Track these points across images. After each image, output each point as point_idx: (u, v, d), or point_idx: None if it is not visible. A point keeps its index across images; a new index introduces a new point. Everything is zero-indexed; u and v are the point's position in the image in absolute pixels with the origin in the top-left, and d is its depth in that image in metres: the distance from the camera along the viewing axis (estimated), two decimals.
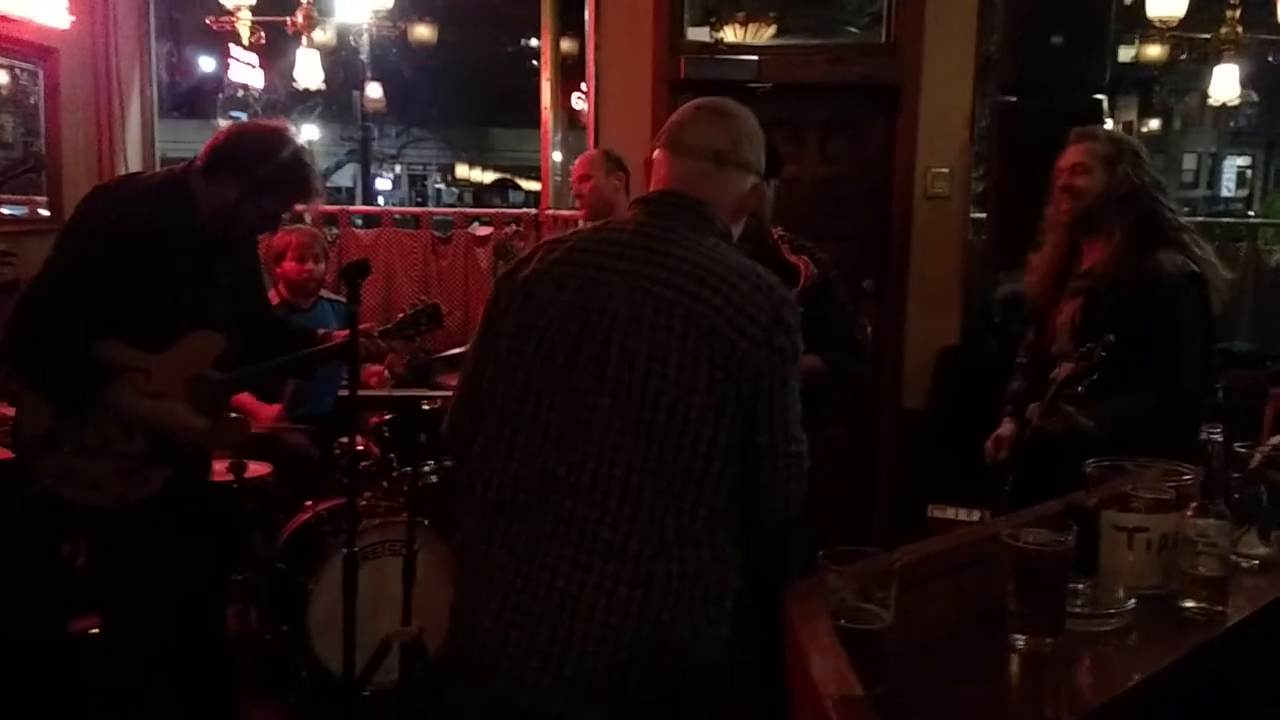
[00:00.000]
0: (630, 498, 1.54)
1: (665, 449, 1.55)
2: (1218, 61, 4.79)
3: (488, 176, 18.67)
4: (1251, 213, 15.38)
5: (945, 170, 4.44)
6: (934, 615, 1.38)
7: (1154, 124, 13.09)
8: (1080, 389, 2.40)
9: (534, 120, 5.29)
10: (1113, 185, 2.59)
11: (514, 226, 4.98)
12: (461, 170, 19.40)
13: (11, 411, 3.35)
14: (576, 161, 3.92)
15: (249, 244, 2.76)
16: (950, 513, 4.03)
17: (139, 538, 2.54)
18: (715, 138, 1.75)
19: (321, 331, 2.99)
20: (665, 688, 1.55)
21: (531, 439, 1.62)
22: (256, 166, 2.48)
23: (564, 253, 1.70)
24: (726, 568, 1.60)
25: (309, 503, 3.58)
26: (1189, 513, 1.51)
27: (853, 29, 5.33)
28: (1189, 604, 1.48)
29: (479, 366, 1.73)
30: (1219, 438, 1.53)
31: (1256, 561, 1.63)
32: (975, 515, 3.99)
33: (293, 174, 2.53)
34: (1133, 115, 12.15)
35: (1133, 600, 1.45)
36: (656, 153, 1.80)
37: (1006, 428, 2.86)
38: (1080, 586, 1.44)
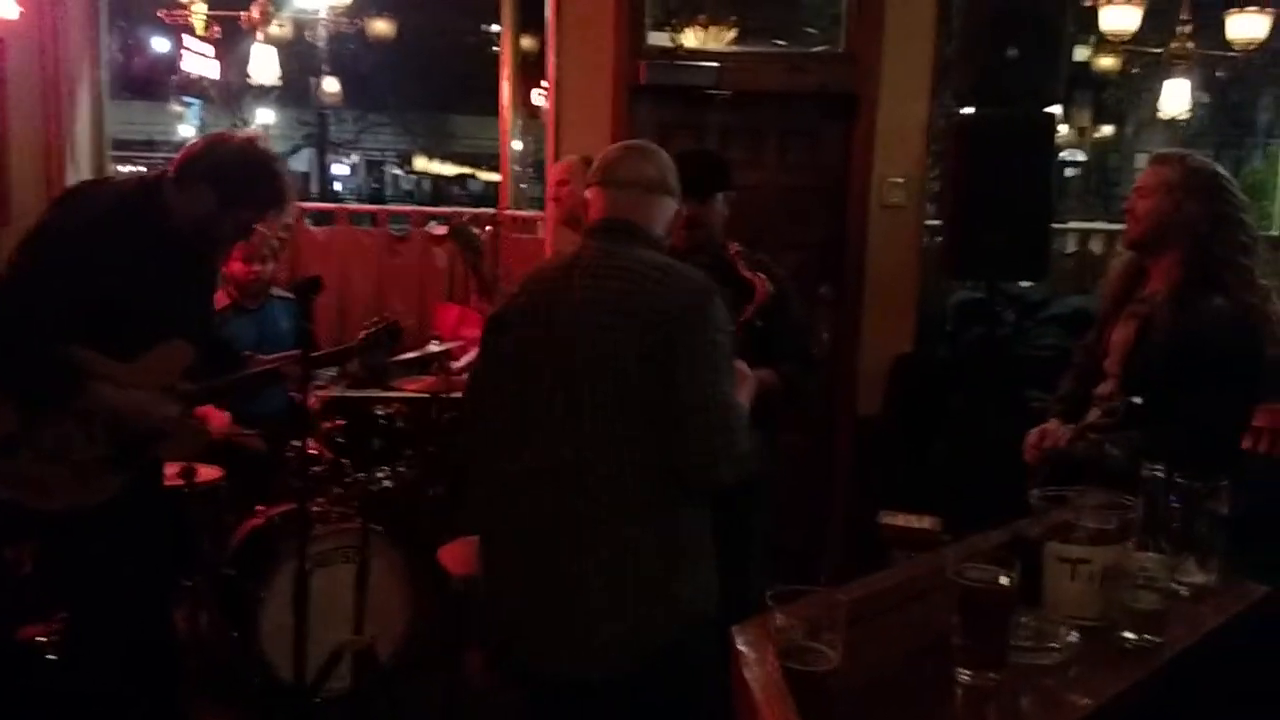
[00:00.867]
0: (612, 478, 1.91)
1: (631, 427, 1.91)
2: (1169, 75, 4.87)
3: (447, 168, 18.51)
4: None
5: (901, 179, 4.48)
6: (881, 650, 1.40)
7: (1107, 129, 13.28)
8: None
9: (493, 108, 5.26)
10: (1172, 213, 2.56)
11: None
12: (420, 162, 19.23)
13: None
14: (555, 166, 3.95)
15: (218, 254, 2.76)
16: (901, 519, 4.09)
17: (91, 543, 2.53)
18: (644, 171, 2.16)
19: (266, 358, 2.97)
20: (672, 639, 1.91)
21: (532, 441, 1.98)
22: (234, 178, 2.53)
23: (537, 284, 2.12)
24: (703, 527, 2.01)
25: (260, 507, 3.55)
26: (1131, 545, 1.54)
27: (812, 30, 5.35)
28: (1129, 635, 1.51)
29: (480, 386, 2.18)
30: (1160, 474, 1.56)
31: (1188, 590, 1.67)
32: (926, 522, 4.05)
33: (270, 186, 2.59)
34: (1087, 121, 12.31)
35: (1075, 633, 1.48)
36: (590, 191, 2.19)
37: (1053, 424, 2.82)
38: (1024, 620, 1.47)
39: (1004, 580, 1.37)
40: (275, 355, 2.93)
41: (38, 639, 3.09)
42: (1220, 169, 2.68)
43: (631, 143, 2.36)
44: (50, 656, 3.10)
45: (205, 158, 2.54)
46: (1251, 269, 2.61)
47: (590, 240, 2.12)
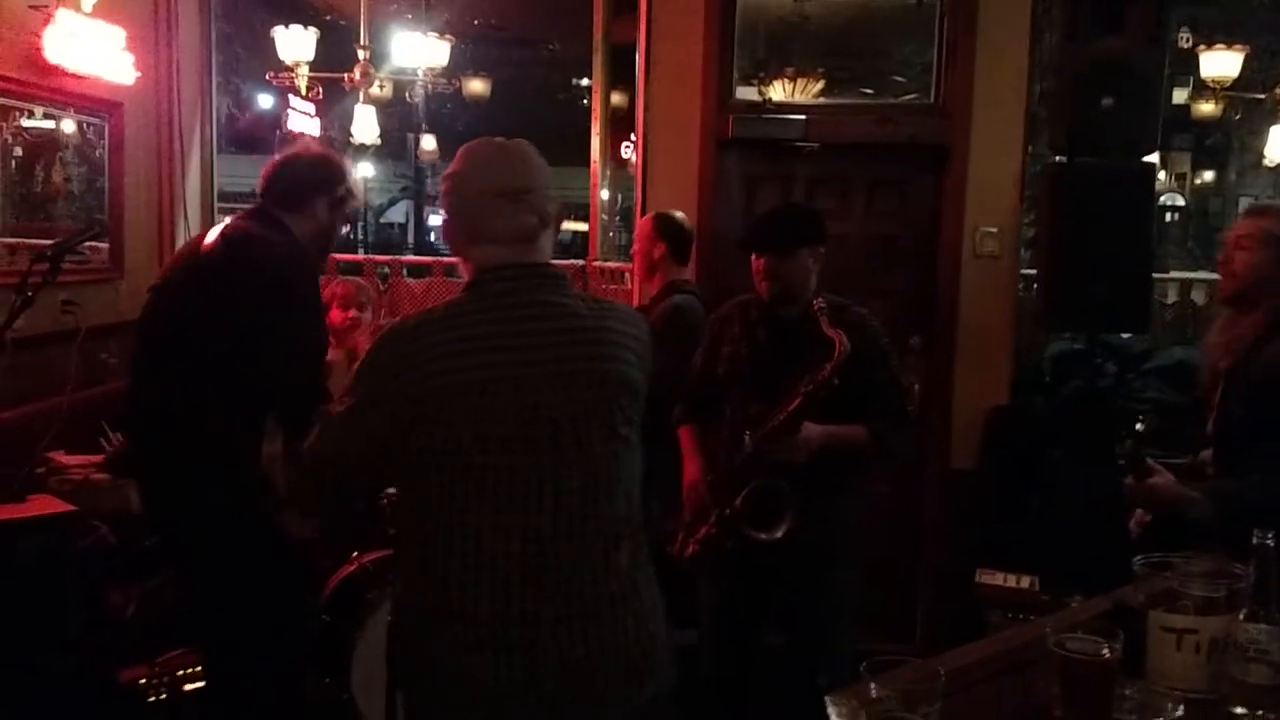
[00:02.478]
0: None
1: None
2: (1274, 121, 4.72)
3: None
4: None
5: (994, 230, 4.42)
6: None
7: (1208, 175, 12.92)
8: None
9: (583, 160, 5.35)
10: (1267, 265, 2.49)
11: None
12: None
13: (71, 461, 3.47)
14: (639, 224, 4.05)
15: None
16: (999, 578, 3.98)
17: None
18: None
19: None
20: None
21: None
22: (333, 178, 2.74)
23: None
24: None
25: (355, 554, 3.61)
26: (1241, 616, 1.48)
27: (900, 79, 5.34)
28: (1240, 711, 1.45)
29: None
30: (1270, 541, 1.50)
31: None
32: (1025, 581, 3.93)
33: (342, 167, 2.80)
34: (1186, 167, 12.00)
35: (1181, 707, 1.43)
36: None
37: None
38: (1128, 691, 1.42)
39: (1106, 651, 1.33)
40: None
41: (140, 681, 3.20)
42: None
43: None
44: (150, 699, 3.21)
45: (302, 174, 2.72)
46: None
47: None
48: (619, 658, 1.74)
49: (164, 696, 3.22)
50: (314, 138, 2.84)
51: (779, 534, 2.74)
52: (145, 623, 3.30)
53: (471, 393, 1.68)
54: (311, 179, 2.72)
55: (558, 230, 1.89)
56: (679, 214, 3.84)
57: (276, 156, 2.80)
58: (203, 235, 2.78)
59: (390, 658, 1.96)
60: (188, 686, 3.27)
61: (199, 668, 3.16)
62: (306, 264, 2.68)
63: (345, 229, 3.03)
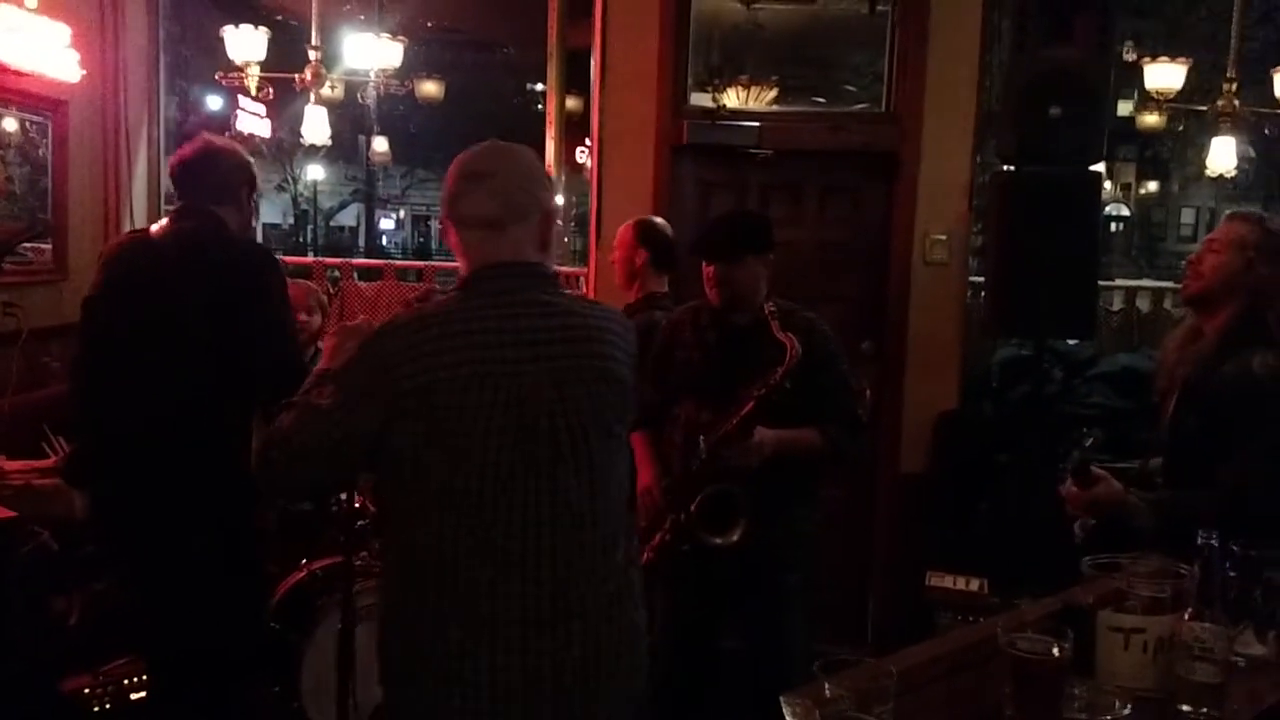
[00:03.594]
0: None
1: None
2: (1215, 132, 4.83)
3: None
4: None
5: (943, 236, 4.47)
6: None
7: (1152, 185, 13.21)
8: None
9: None
10: (1240, 272, 2.46)
11: None
12: None
13: (12, 466, 3.39)
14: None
15: None
16: (949, 580, 4.03)
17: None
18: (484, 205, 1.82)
19: None
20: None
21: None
22: (253, 174, 2.83)
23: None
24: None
25: (304, 560, 3.57)
26: (1186, 615, 1.51)
27: (851, 88, 5.39)
28: (1186, 709, 1.48)
29: None
30: (1214, 541, 1.53)
31: (1246, 661, 1.63)
32: (974, 584, 3.98)
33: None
34: (1131, 178, 12.25)
35: (1129, 705, 1.45)
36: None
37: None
38: (1077, 690, 1.44)
39: (1056, 651, 1.35)
40: None
41: (83, 690, 3.13)
42: None
43: (471, 169, 1.86)
44: (94, 709, 3.14)
45: (231, 168, 2.77)
46: None
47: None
48: (618, 657, 1.75)
49: (108, 706, 3.16)
50: (214, 134, 2.89)
51: (734, 538, 2.75)
52: (88, 631, 3.23)
53: (470, 388, 1.66)
54: (240, 173, 2.78)
55: (548, 233, 1.87)
56: (660, 220, 3.78)
57: (187, 152, 2.78)
58: (129, 238, 2.81)
59: (381, 659, 1.91)
60: (133, 695, 3.21)
61: (143, 676, 3.10)
62: (269, 252, 2.77)
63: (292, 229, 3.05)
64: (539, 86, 5.83)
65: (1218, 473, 2.33)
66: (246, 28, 4.82)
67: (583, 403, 1.75)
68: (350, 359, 1.76)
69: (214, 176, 2.74)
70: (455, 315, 1.74)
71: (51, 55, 3.93)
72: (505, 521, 1.68)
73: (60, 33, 3.95)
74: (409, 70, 5.84)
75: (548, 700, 1.69)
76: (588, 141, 5.05)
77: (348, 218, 21.95)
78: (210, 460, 2.54)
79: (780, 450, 2.75)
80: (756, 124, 4.52)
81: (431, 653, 1.69)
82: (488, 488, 1.67)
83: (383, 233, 22.68)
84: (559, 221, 5.54)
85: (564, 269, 5.21)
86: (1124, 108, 6.42)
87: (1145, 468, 2.72)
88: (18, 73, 3.79)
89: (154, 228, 2.78)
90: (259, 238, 11.35)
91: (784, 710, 1.26)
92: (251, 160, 2.87)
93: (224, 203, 2.74)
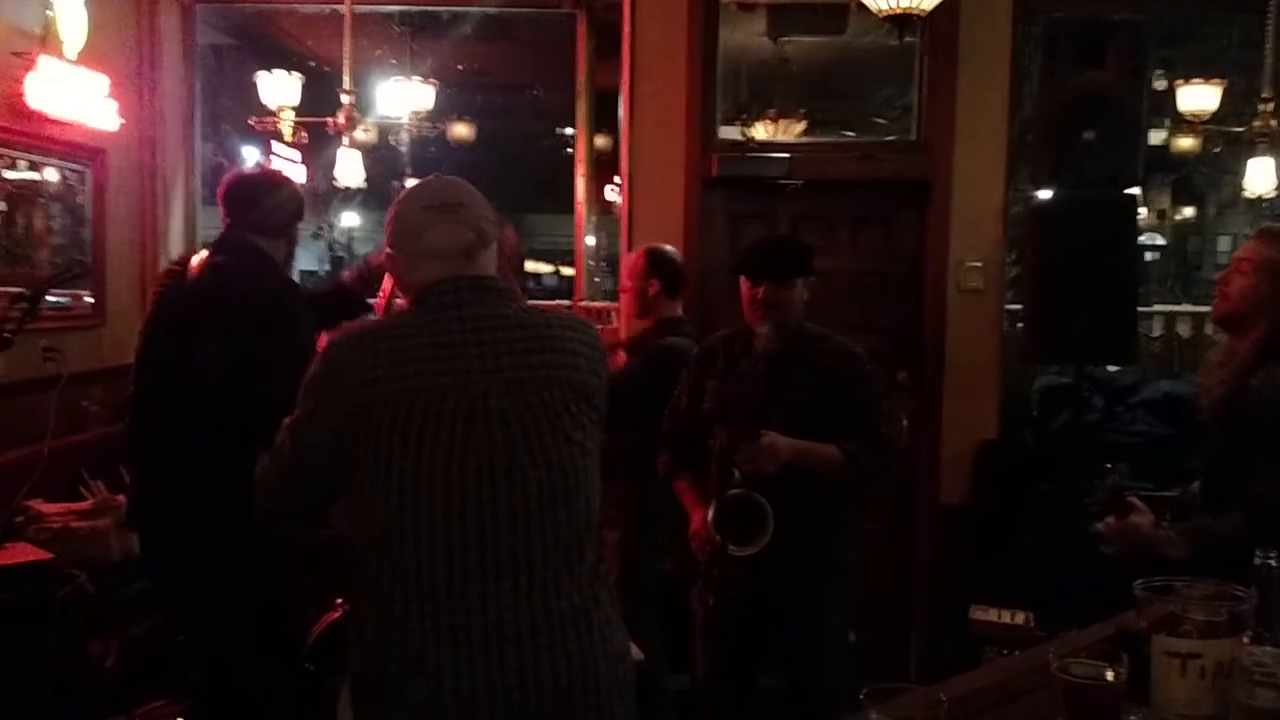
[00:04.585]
0: None
1: None
2: (1252, 154, 4.77)
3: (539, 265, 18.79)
4: None
5: (978, 264, 4.43)
6: None
7: (1188, 211, 13.04)
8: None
9: (569, 204, 5.35)
10: (1263, 294, 2.42)
11: None
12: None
13: (51, 509, 3.41)
14: (626, 259, 3.93)
15: None
16: (993, 614, 3.93)
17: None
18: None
19: None
20: None
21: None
22: (301, 211, 2.81)
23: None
24: None
25: (340, 600, 3.55)
26: (1245, 639, 1.45)
27: (881, 120, 5.39)
28: None
29: None
30: (1273, 561, 1.48)
31: None
32: (1019, 618, 3.89)
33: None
34: (1166, 204, 12.10)
35: None
36: None
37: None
38: (1133, 717, 1.39)
39: (1111, 675, 1.30)
40: None
41: None
42: None
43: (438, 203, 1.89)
44: None
45: (286, 203, 2.76)
46: None
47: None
48: (584, 677, 1.67)
49: None
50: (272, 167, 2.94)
51: (759, 548, 2.68)
52: (124, 673, 3.23)
53: (419, 399, 1.66)
54: (293, 203, 2.78)
55: (517, 260, 1.91)
56: (669, 247, 3.78)
57: (244, 176, 2.84)
58: (182, 264, 2.79)
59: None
60: None
61: (180, 717, 3.09)
62: (293, 293, 2.69)
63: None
64: (568, 131, 5.87)
65: (1245, 487, 2.27)
66: (280, 73, 4.89)
67: (535, 410, 1.71)
68: (307, 377, 1.77)
69: (266, 208, 2.74)
70: (404, 328, 1.77)
71: (91, 104, 4.01)
72: (461, 533, 1.64)
73: (99, 82, 4.03)
74: (440, 114, 5.90)
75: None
76: (617, 180, 5.06)
77: None
78: (228, 500, 2.52)
79: (796, 459, 2.70)
80: (786, 155, 4.52)
81: (385, 673, 1.64)
82: (438, 497, 1.64)
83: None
84: (590, 261, 5.56)
85: (596, 304, 5.20)
86: (1156, 137, 6.37)
87: (1185, 495, 2.66)
88: (59, 122, 3.86)
89: (194, 260, 2.77)
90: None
91: None
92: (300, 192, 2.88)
93: (271, 235, 2.73)
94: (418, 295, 1.81)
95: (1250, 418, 2.35)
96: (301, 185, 5.89)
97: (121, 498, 3.69)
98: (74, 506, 3.49)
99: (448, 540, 1.64)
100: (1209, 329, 5.35)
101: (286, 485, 1.81)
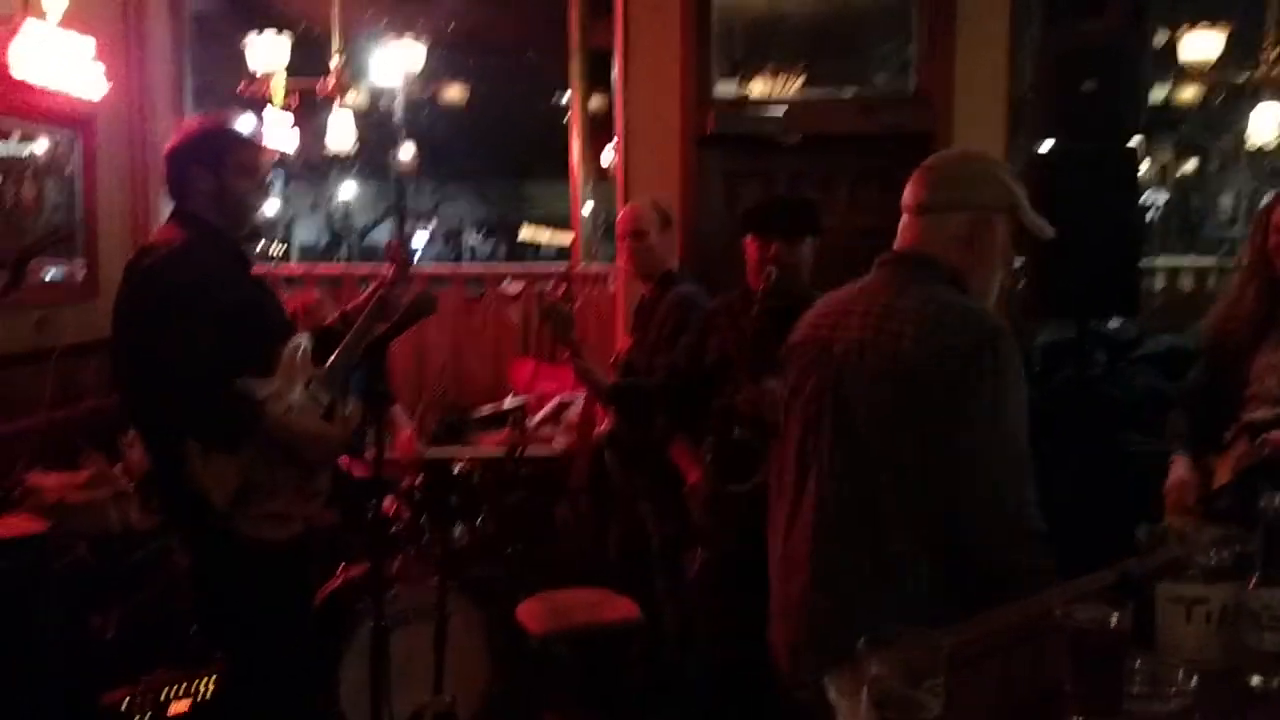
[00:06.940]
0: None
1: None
2: (1254, 105, 4.70)
3: (544, 234, 18.66)
4: None
5: None
6: (987, 698, 1.31)
7: (1189, 165, 12.94)
8: None
9: (565, 170, 5.30)
10: None
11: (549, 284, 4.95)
12: (526, 232, 19.23)
13: (48, 481, 3.39)
14: (622, 214, 3.73)
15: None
16: None
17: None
18: (911, 194, 2.13)
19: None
20: None
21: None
22: (206, 145, 2.64)
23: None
24: None
25: (341, 565, 3.54)
26: (1251, 582, 1.43)
27: (880, 74, 5.32)
28: (1256, 680, 1.39)
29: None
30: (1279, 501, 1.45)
31: None
32: None
33: (231, 136, 2.70)
34: (1168, 158, 12.00)
35: (1195, 678, 1.37)
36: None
37: (1185, 472, 2.73)
38: (1139, 664, 1.36)
39: (1115, 620, 1.27)
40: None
41: (122, 703, 3.11)
42: None
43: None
44: None
45: (176, 157, 2.64)
46: None
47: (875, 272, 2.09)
48: None
49: (148, 717, 3.14)
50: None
51: (751, 485, 2.66)
52: (126, 643, 3.22)
53: None
54: (183, 156, 2.64)
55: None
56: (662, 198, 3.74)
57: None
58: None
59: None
60: (172, 707, 3.19)
61: (182, 686, 3.09)
62: (180, 268, 2.51)
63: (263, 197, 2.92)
64: (564, 100, 5.80)
65: None
66: (269, 33, 4.79)
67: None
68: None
69: (169, 173, 2.67)
70: None
71: (78, 69, 3.94)
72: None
73: (85, 45, 3.96)
74: (432, 76, 5.84)
75: None
76: (613, 140, 5.00)
77: (382, 235, 22.09)
78: (168, 477, 2.54)
79: None
80: (783, 110, 4.46)
81: None
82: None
83: (414, 250, 22.82)
84: (587, 227, 5.52)
85: (593, 268, 5.16)
86: (1158, 94, 6.29)
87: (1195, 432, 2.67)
88: (44, 92, 3.80)
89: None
90: (293, 259, 11.41)
91: (827, 690, 1.20)
92: (215, 128, 2.73)
93: (184, 195, 2.64)
94: None
95: None
96: (295, 156, 5.85)
97: (119, 468, 3.69)
98: (71, 478, 3.47)
99: None
100: (1212, 282, 5.31)
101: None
